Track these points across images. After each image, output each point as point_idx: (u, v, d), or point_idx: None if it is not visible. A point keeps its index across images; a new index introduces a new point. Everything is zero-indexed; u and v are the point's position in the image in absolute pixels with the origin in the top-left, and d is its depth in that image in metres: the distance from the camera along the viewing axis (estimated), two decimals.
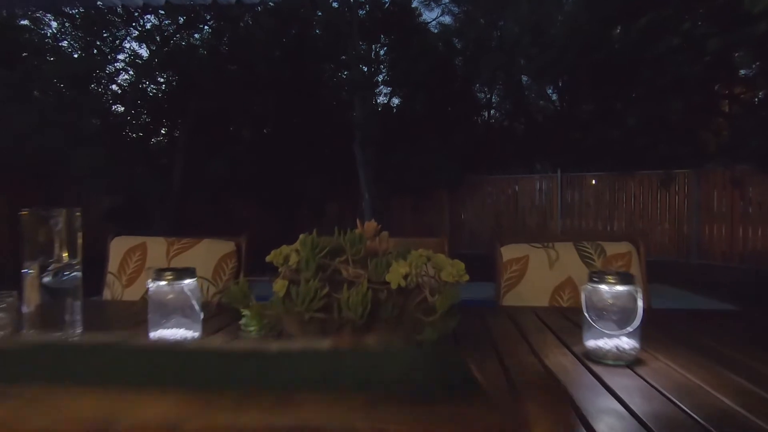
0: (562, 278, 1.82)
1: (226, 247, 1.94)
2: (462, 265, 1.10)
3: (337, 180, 11.44)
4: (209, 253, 1.91)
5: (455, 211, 11.27)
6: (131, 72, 10.13)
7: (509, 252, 1.90)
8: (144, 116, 10.94)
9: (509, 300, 1.84)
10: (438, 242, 1.92)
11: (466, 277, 1.09)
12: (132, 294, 1.87)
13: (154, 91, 10.69)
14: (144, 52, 9.87)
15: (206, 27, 10.50)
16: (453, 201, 11.23)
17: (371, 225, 1.13)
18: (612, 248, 1.85)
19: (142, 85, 10.15)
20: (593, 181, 10.52)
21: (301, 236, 1.04)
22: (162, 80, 10.58)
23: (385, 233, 1.16)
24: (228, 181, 10.65)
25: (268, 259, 1.07)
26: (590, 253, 1.84)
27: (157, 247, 1.94)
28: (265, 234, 12.32)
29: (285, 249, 1.09)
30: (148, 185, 9.65)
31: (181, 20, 9.69)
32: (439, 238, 1.95)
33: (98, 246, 1.81)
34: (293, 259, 1.02)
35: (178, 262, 1.90)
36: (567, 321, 1.40)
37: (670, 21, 7.94)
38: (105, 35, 9.51)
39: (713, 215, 9.39)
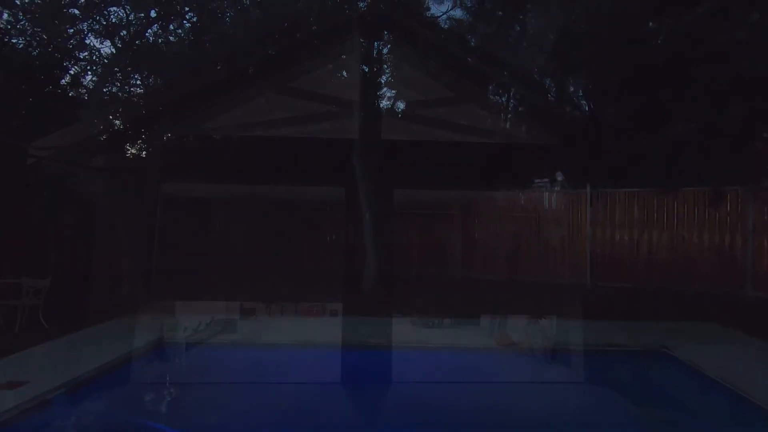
0: None
1: None
2: None
3: (335, 194, 10.18)
4: None
5: (468, 231, 9.95)
6: (99, 72, 8.84)
7: None
8: (115, 122, 9.64)
9: None
10: None
11: None
12: None
13: (126, 94, 9.39)
14: (109, 49, 8.60)
15: (184, 21, 9.21)
16: (466, 219, 9.94)
17: None
18: None
19: (109, 88, 8.86)
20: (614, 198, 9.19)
21: None
22: (134, 82, 9.29)
23: None
24: (212, 195, 9.47)
25: None
26: None
27: None
28: (255, 254, 10.99)
29: None
30: (117, 199, 8.50)
31: (153, 13, 8.41)
32: None
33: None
34: None
35: None
36: None
37: (734, 10, 6.62)
38: (67, 28, 8.22)
39: None
